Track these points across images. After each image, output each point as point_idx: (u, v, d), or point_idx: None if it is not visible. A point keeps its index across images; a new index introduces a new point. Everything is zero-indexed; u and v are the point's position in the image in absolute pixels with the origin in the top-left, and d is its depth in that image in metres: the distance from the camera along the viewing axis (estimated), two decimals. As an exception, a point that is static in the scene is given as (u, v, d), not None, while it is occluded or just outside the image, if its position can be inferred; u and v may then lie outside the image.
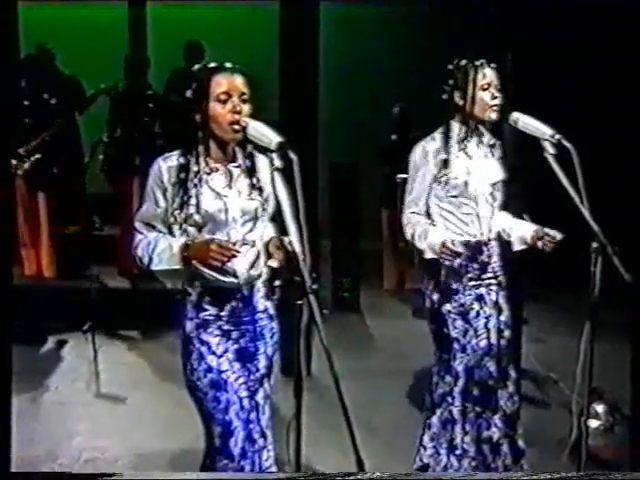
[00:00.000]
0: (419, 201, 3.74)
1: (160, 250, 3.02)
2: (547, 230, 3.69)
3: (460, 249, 3.61)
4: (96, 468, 4.30)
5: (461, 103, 3.69)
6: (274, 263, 3.03)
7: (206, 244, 2.96)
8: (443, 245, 3.56)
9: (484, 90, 3.67)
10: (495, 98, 3.68)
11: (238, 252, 2.97)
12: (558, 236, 3.64)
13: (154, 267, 3.05)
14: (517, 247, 3.80)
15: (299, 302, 2.67)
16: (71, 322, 6.26)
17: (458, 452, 3.80)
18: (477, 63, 3.69)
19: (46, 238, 7.25)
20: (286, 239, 2.85)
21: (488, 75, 3.69)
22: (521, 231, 3.77)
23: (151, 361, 5.91)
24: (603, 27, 6.66)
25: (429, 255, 3.65)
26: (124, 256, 7.11)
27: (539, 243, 3.68)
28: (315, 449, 3.73)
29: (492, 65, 3.72)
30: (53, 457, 4.43)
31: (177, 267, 3.01)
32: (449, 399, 3.77)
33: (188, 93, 3.07)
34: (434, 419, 3.81)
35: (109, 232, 7.73)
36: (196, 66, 3.20)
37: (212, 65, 3.09)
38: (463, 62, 3.71)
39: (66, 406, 5.16)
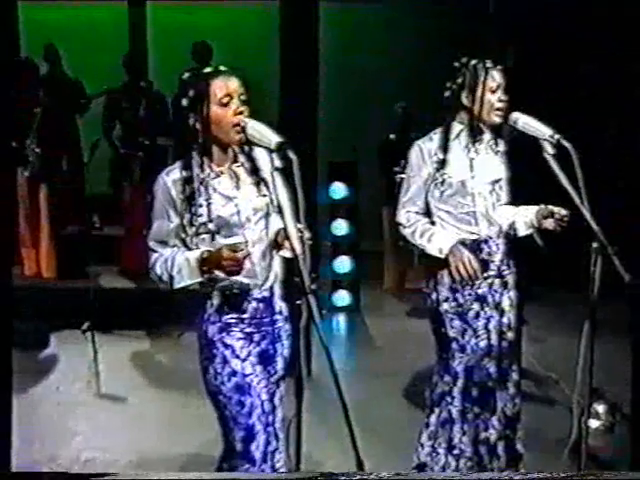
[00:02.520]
0: (417, 200, 3.75)
1: (179, 267, 3.00)
2: (551, 207, 3.65)
3: (470, 256, 3.64)
4: (96, 468, 4.29)
5: (467, 103, 3.68)
6: (286, 253, 3.03)
7: (219, 252, 2.95)
8: (453, 252, 3.61)
9: (492, 92, 3.66)
10: (502, 101, 3.67)
11: (249, 252, 2.98)
12: (563, 211, 3.59)
13: (177, 285, 3.03)
14: (523, 232, 3.77)
15: (298, 302, 2.68)
16: (71, 322, 6.26)
17: (456, 452, 3.80)
18: (488, 65, 3.67)
19: (46, 238, 7.25)
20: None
21: (497, 77, 3.66)
22: (525, 215, 3.75)
23: (151, 361, 5.92)
24: (603, 26, 6.67)
25: (435, 254, 3.67)
26: (126, 256, 7.13)
27: (547, 223, 3.67)
28: (315, 448, 3.73)
29: (500, 67, 3.70)
30: (53, 457, 4.42)
31: (199, 280, 3.02)
32: (448, 399, 3.76)
33: (184, 101, 3.05)
34: (432, 418, 3.81)
35: (109, 232, 7.73)
36: (187, 74, 3.17)
37: (207, 70, 3.09)
38: (473, 62, 3.68)
39: (66, 406, 5.15)
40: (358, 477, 2.44)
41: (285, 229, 2.95)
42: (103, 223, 7.86)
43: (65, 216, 7.41)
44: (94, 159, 7.23)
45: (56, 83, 7.71)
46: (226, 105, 3.01)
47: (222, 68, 3.08)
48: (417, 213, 3.75)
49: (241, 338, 3.11)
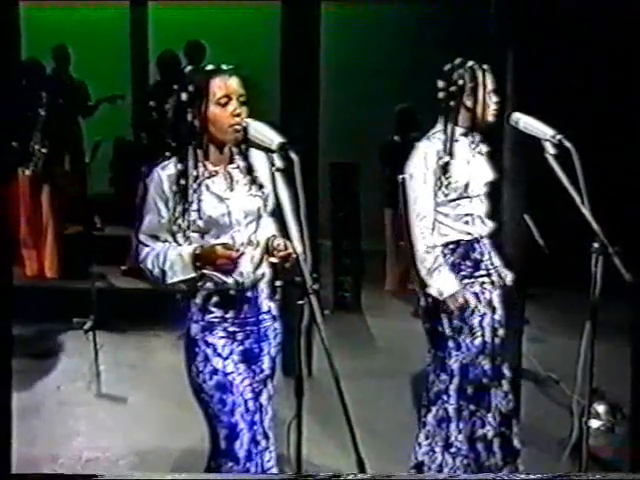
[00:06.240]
0: (429, 209, 3.72)
1: (171, 263, 3.00)
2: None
3: (466, 301, 3.71)
4: (97, 468, 4.30)
5: (470, 105, 3.70)
6: (274, 260, 3.04)
7: (212, 249, 2.96)
8: (454, 298, 3.67)
9: (489, 93, 3.70)
10: (496, 102, 3.72)
11: (243, 252, 2.99)
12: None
13: (169, 281, 3.02)
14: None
15: (300, 302, 2.68)
16: (72, 322, 6.26)
17: (453, 450, 3.80)
18: (484, 67, 3.72)
19: (48, 238, 7.26)
20: (285, 240, 2.86)
21: (490, 78, 3.71)
22: None
23: (152, 361, 5.92)
24: (603, 26, 6.67)
25: (434, 294, 3.69)
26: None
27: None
28: (316, 449, 3.74)
29: (487, 67, 3.74)
30: (54, 457, 4.43)
31: (192, 276, 3.01)
32: (444, 397, 3.78)
33: (183, 96, 3.04)
34: (429, 417, 3.82)
35: (110, 232, 7.73)
36: (189, 68, 3.17)
37: (209, 67, 3.07)
38: (469, 63, 3.71)
39: (67, 406, 5.16)
40: (359, 477, 2.44)
41: (282, 231, 2.96)
42: (104, 223, 7.87)
43: (67, 216, 7.41)
44: (95, 159, 7.23)
45: (61, 84, 7.71)
46: (224, 105, 2.99)
47: (223, 66, 3.06)
48: (432, 228, 3.75)
49: (223, 337, 3.11)
